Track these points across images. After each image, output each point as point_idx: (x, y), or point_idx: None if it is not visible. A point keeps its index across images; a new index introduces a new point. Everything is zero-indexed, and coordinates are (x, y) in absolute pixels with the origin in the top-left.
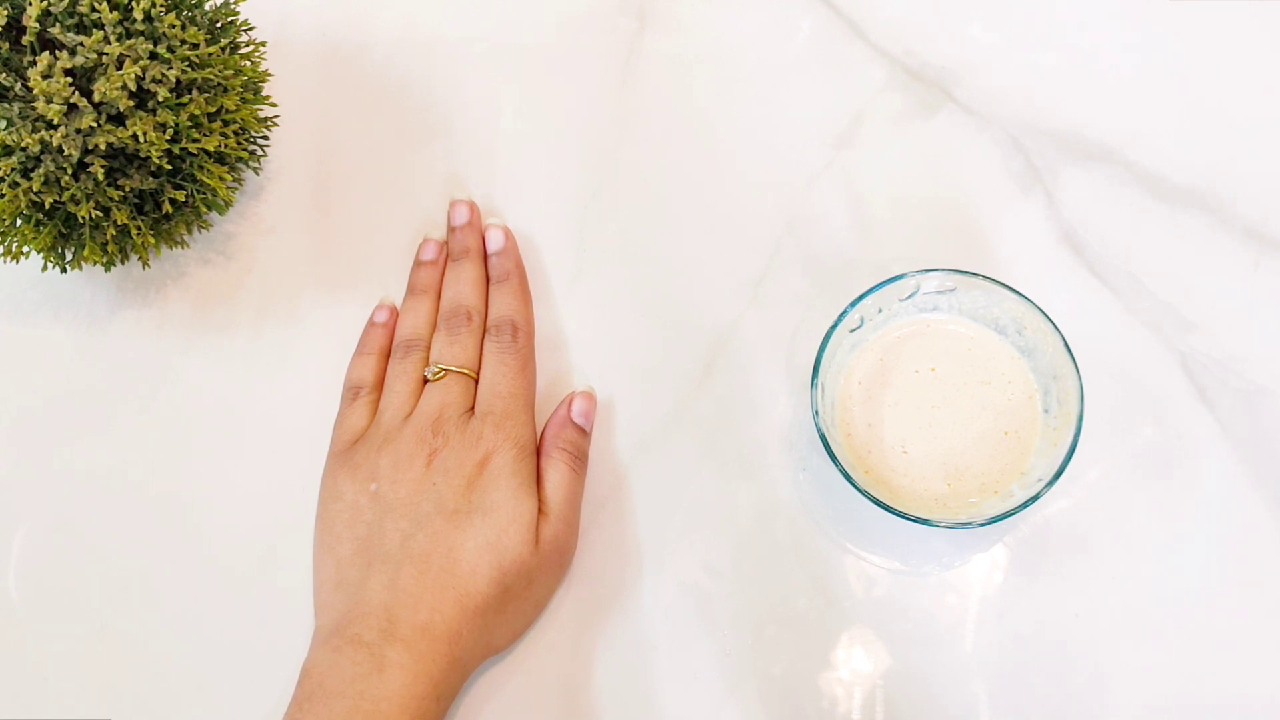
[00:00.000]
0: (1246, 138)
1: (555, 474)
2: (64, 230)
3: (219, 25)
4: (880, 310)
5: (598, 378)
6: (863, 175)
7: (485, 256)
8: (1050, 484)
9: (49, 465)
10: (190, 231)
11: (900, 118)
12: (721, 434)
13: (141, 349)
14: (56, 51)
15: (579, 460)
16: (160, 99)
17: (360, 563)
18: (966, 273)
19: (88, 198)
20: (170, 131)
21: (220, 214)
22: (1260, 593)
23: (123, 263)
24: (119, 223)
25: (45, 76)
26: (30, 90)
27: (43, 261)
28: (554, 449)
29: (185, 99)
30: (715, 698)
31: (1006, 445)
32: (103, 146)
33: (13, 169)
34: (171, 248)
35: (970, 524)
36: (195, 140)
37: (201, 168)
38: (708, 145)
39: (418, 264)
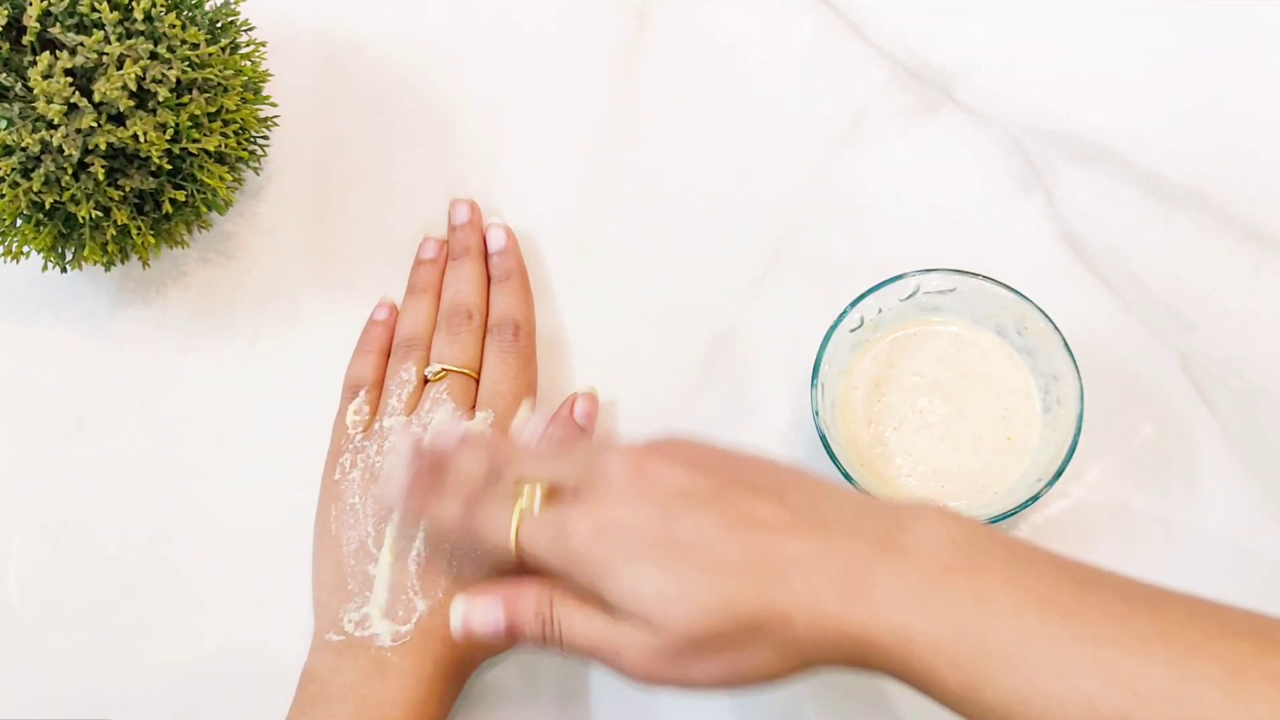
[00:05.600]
0: (1246, 138)
1: None
2: (64, 230)
3: (219, 25)
4: (880, 310)
5: (598, 378)
6: (863, 175)
7: (486, 256)
8: (1050, 484)
9: (49, 465)
10: (190, 231)
11: (900, 118)
12: (721, 434)
13: (141, 349)
14: (57, 51)
15: None
16: (160, 99)
17: (361, 564)
18: (966, 273)
19: (88, 198)
20: (170, 131)
21: (220, 214)
22: (1260, 592)
23: (123, 263)
24: (119, 223)
25: (45, 76)
26: (30, 90)
27: (43, 261)
28: None
29: (185, 99)
30: (715, 698)
31: (1006, 445)
32: (103, 146)
33: (13, 169)
34: (171, 248)
35: None
36: (195, 140)
37: (201, 168)
38: (707, 145)
39: (418, 263)
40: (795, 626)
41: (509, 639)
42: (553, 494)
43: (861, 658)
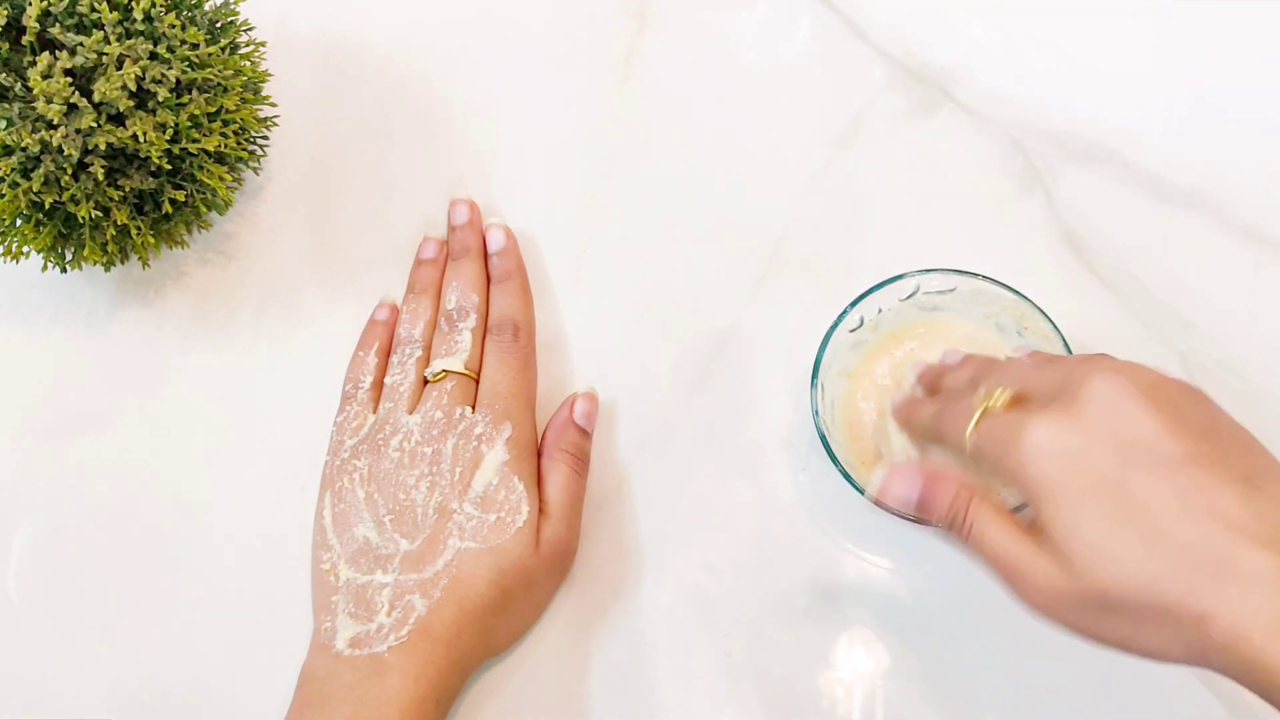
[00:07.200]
0: (1246, 138)
1: (557, 475)
2: (64, 230)
3: (219, 25)
4: (880, 310)
5: (598, 378)
6: (863, 175)
7: (486, 256)
8: None
9: (49, 465)
10: (190, 231)
11: (900, 118)
12: (721, 434)
13: (141, 349)
14: (56, 51)
15: (581, 462)
16: (160, 99)
17: (361, 565)
18: (966, 273)
19: (88, 198)
20: (170, 131)
21: (220, 214)
22: None
23: (123, 263)
24: (119, 223)
25: (45, 76)
26: (30, 90)
27: (43, 261)
28: (556, 450)
29: (185, 99)
30: (715, 698)
31: None
32: (103, 146)
33: (13, 169)
34: (171, 248)
35: None
36: (195, 140)
37: (201, 168)
38: (707, 145)
39: (418, 263)
40: (1211, 633)
41: (921, 511)
42: (1019, 401)
43: (1267, 692)
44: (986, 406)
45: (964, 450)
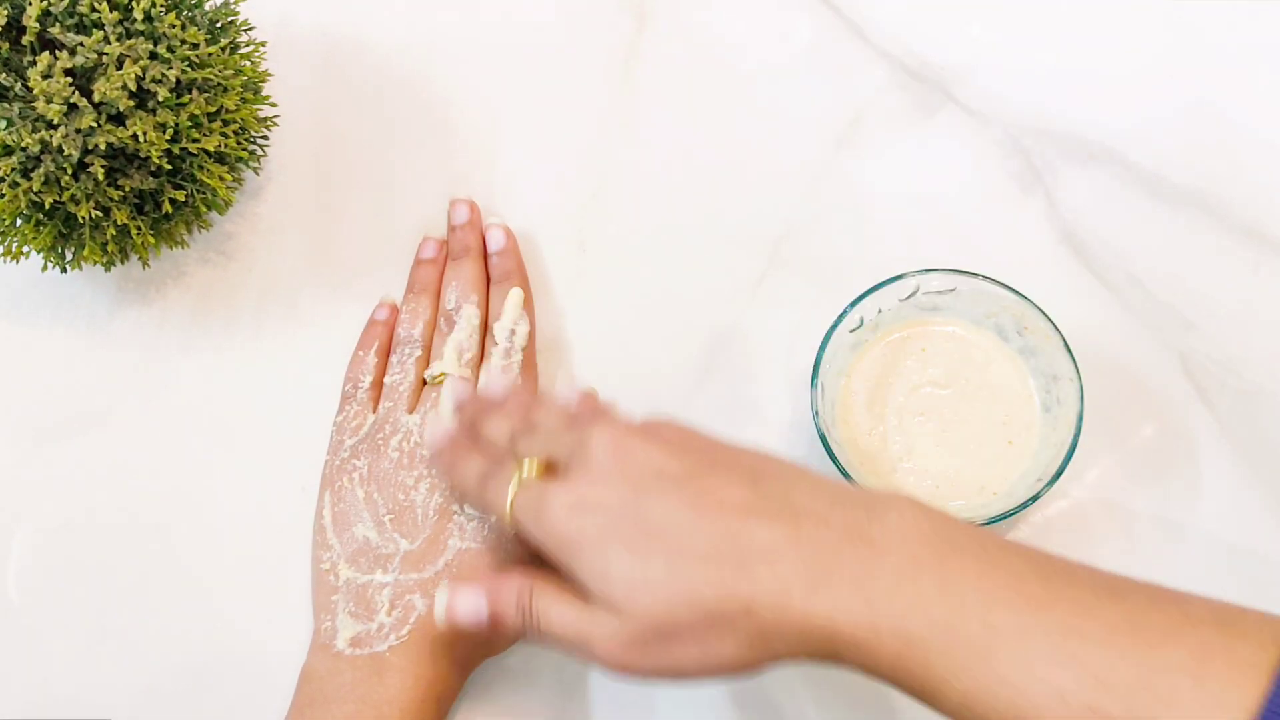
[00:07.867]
0: (1246, 138)
1: None
2: (64, 230)
3: (219, 25)
4: (880, 310)
5: (598, 378)
6: (863, 175)
7: (486, 256)
8: (1050, 484)
9: (49, 465)
10: (190, 231)
11: (900, 118)
12: (721, 434)
13: (141, 349)
14: (56, 51)
15: None
16: (160, 99)
17: (360, 564)
18: (966, 273)
19: (88, 198)
20: (170, 131)
21: (220, 214)
22: (1260, 592)
23: (123, 263)
24: (119, 223)
25: (45, 76)
26: (30, 90)
27: (43, 261)
28: None
29: (185, 99)
30: (715, 698)
31: (1007, 445)
32: (103, 146)
33: (13, 169)
34: (171, 248)
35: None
36: (195, 140)
37: (201, 168)
38: (707, 145)
39: (418, 263)
40: (760, 618)
41: (494, 630)
42: (550, 468)
43: (829, 651)
44: (520, 477)
45: (507, 524)
